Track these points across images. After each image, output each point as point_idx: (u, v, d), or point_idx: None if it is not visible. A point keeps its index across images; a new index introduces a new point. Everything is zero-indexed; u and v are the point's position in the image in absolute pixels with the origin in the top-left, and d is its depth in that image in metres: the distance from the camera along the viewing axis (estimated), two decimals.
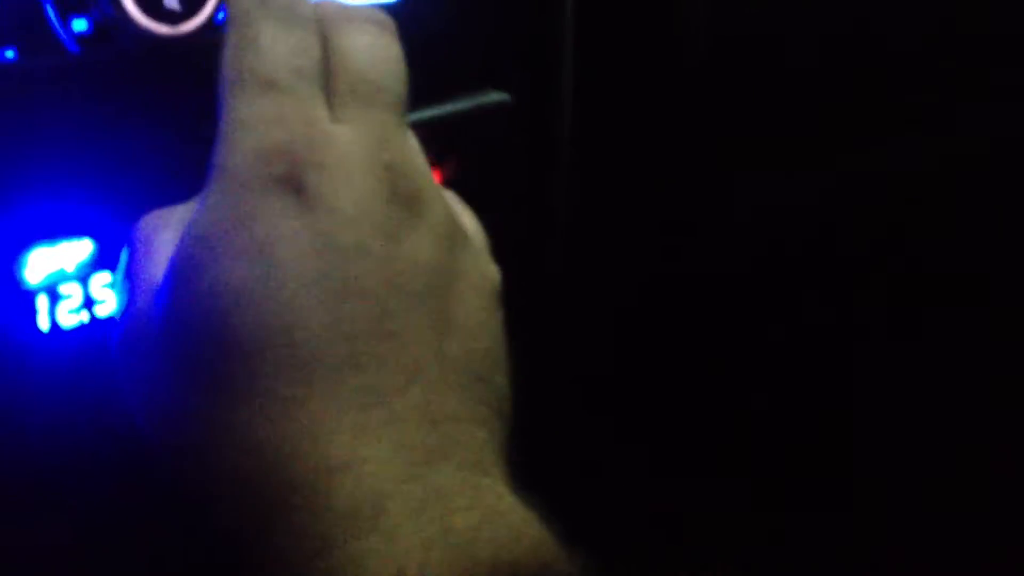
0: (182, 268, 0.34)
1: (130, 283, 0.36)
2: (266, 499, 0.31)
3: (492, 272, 0.37)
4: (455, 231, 0.36)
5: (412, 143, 0.37)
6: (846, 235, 0.71)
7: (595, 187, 0.52)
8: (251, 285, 0.33)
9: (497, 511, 0.32)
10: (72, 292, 0.41)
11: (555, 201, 0.50)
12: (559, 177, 0.50)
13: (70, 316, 0.41)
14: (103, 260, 0.42)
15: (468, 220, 0.39)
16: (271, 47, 0.35)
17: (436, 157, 0.43)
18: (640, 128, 0.53)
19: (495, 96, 0.46)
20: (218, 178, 0.35)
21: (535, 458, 0.34)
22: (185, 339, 0.33)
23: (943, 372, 0.81)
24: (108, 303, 0.42)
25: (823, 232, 0.69)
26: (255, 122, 0.35)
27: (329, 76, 0.36)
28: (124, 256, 0.37)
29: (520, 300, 0.38)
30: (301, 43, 0.36)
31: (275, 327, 0.32)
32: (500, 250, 0.38)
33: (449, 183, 0.44)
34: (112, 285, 0.42)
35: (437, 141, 0.40)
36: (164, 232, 0.36)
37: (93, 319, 0.42)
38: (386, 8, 0.39)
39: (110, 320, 0.42)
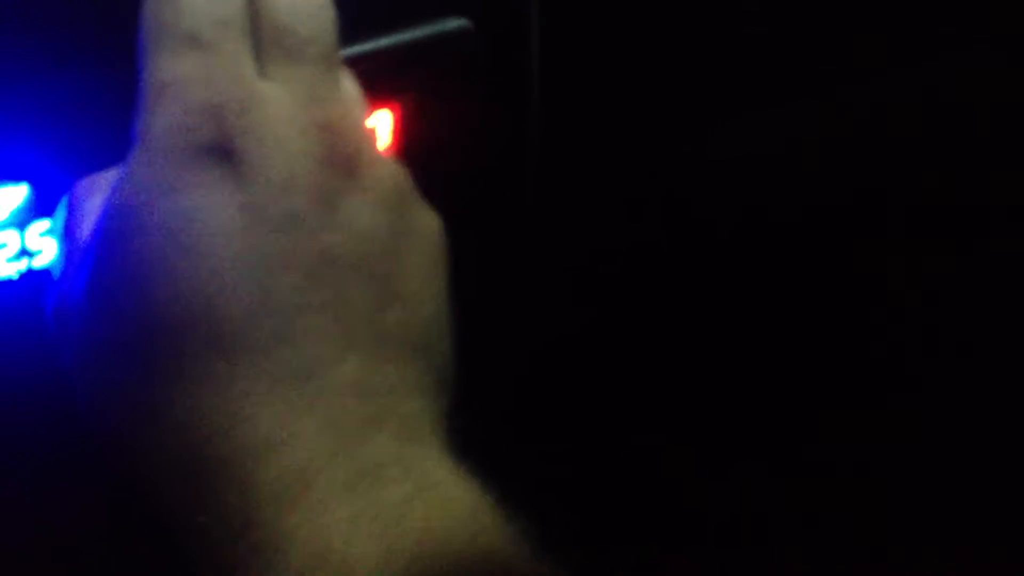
0: (103, 240, 0.33)
1: (62, 250, 0.36)
2: (193, 479, 0.31)
3: (435, 226, 0.36)
4: (401, 189, 0.35)
5: (348, 94, 0.36)
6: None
7: (565, 122, 0.50)
8: (174, 261, 0.32)
9: (430, 482, 0.31)
10: (8, 240, 0.39)
11: (522, 138, 0.48)
12: (526, 111, 0.47)
13: (6, 265, 0.40)
14: (40, 207, 0.39)
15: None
16: None
17: (390, 91, 0.41)
18: (616, 55, 0.50)
19: (454, 23, 0.44)
20: (141, 144, 0.33)
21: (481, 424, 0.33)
22: (109, 316, 0.33)
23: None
24: (46, 253, 0.40)
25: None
26: (178, 83, 0.33)
27: (253, 27, 0.35)
28: (59, 220, 0.36)
29: (484, 247, 0.36)
30: None
31: (199, 304, 0.31)
32: (462, 191, 0.36)
33: (405, 119, 0.42)
34: (50, 232, 0.40)
35: (391, 74, 0.39)
36: (94, 197, 0.35)
37: (30, 269, 0.40)
38: None
39: (48, 271, 0.40)
